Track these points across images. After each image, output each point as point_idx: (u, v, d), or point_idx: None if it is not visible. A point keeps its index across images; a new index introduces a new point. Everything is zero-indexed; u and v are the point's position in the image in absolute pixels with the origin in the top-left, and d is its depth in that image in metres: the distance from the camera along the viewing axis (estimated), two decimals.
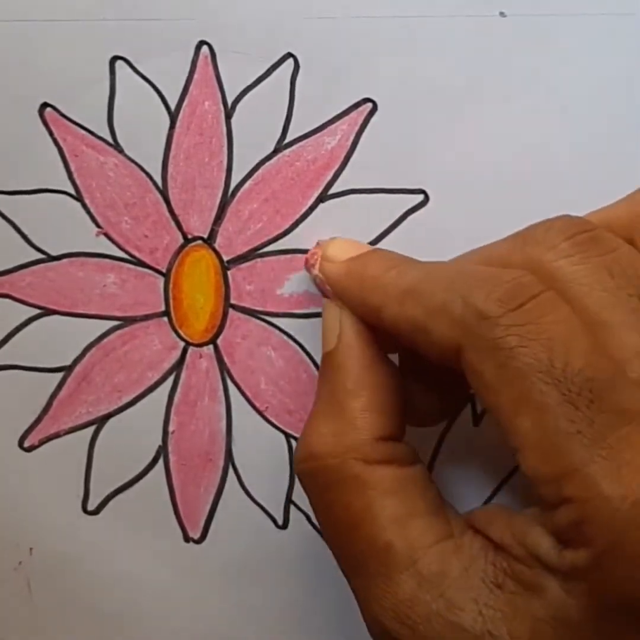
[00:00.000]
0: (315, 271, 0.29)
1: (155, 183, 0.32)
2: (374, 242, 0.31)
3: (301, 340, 0.32)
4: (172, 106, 0.31)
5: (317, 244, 0.30)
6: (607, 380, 0.21)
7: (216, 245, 0.32)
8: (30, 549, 0.34)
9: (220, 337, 0.32)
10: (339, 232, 0.31)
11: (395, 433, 0.26)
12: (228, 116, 0.31)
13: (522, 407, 0.21)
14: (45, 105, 0.31)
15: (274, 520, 0.33)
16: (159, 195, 0.32)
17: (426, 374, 0.27)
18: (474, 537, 0.24)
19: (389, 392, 0.26)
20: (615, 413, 0.21)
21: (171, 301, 0.32)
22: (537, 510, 0.23)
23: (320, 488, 0.25)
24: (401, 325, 0.24)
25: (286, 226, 0.32)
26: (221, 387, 0.32)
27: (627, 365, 0.22)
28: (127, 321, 0.32)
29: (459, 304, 0.22)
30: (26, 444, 0.33)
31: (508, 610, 0.22)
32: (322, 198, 0.31)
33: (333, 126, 0.31)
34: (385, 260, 0.26)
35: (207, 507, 0.33)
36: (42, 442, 0.33)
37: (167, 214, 0.32)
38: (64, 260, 0.32)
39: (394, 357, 0.28)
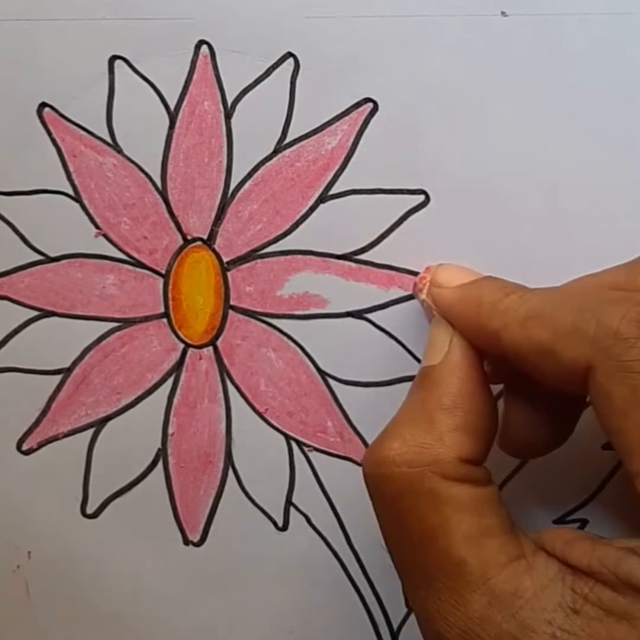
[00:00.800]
0: (423, 296, 0.29)
1: (154, 183, 0.31)
2: (374, 243, 0.31)
3: (301, 342, 0.32)
4: (172, 106, 0.31)
5: (426, 269, 0.29)
6: None
7: (216, 246, 0.32)
8: (29, 552, 0.34)
9: (220, 339, 0.32)
10: (339, 233, 0.31)
11: (478, 458, 0.26)
12: (228, 116, 0.31)
13: None
14: (43, 105, 0.31)
15: (274, 522, 0.33)
16: (158, 196, 0.31)
17: (532, 406, 0.27)
18: (548, 559, 0.24)
19: (482, 419, 0.26)
20: None
21: (171, 302, 0.32)
22: (634, 541, 0.23)
23: (393, 496, 0.25)
24: (524, 348, 0.24)
25: (286, 227, 0.31)
26: (221, 388, 0.32)
27: None
28: (127, 323, 0.32)
29: (592, 324, 0.22)
30: (25, 447, 0.33)
31: (585, 635, 0.22)
32: (323, 199, 0.31)
33: (333, 126, 0.31)
34: (502, 286, 0.26)
35: (207, 510, 0.33)
36: (40, 445, 0.33)
37: (167, 215, 0.32)
38: (63, 262, 0.32)
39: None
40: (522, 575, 0.23)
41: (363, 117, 0.31)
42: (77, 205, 0.32)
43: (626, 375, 0.22)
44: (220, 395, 0.32)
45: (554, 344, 0.23)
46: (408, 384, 0.27)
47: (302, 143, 0.31)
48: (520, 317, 0.25)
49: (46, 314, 0.32)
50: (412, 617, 0.33)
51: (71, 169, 0.31)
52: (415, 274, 0.31)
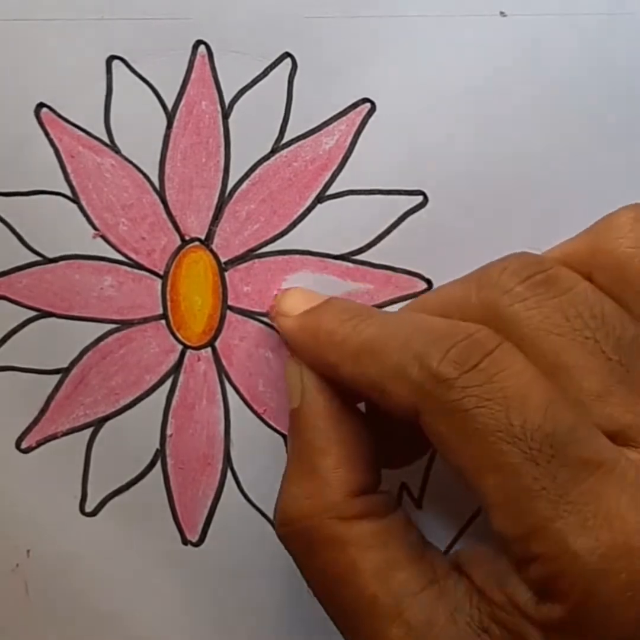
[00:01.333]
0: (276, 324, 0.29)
1: (152, 184, 0.31)
2: (372, 244, 0.31)
3: None
4: (169, 106, 0.31)
5: (276, 295, 0.29)
6: (566, 433, 0.21)
7: (213, 247, 0.32)
8: (28, 550, 0.34)
9: (218, 340, 0.32)
10: (337, 233, 0.31)
11: (370, 484, 0.26)
12: (225, 116, 0.31)
13: (484, 468, 0.21)
14: (41, 105, 0.31)
15: (273, 524, 0.33)
16: (156, 196, 0.31)
17: (391, 421, 0.27)
18: (459, 579, 0.24)
19: (359, 444, 0.26)
20: (576, 466, 0.21)
21: (169, 303, 0.32)
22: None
23: (303, 550, 0.26)
24: (359, 384, 0.24)
25: (284, 227, 0.31)
26: (219, 389, 0.32)
27: (588, 409, 0.22)
28: (125, 324, 0.32)
29: (415, 367, 0.22)
30: (23, 446, 0.33)
31: None
32: (320, 199, 0.31)
33: (331, 126, 0.31)
34: (339, 313, 0.26)
35: (205, 510, 0.33)
36: (39, 444, 0.33)
37: (165, 215, 0.32)
38: (61, 263, 0.32)
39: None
40: (435, 602, 0.23)
41: (361, 118, 0.31)
42: (74, 206, 0.31)
43: (451, 416, 0.22)
44: (219, 396, 0.32)
45: (383, 383, 0.23)
46: None
47: (299, 143, 0.31)
48: (353, 350, 0.24)
49: (44, 314, 0.32)
50: None
51: (69, 170, 0.31)
52: (413, 274, 0.31)
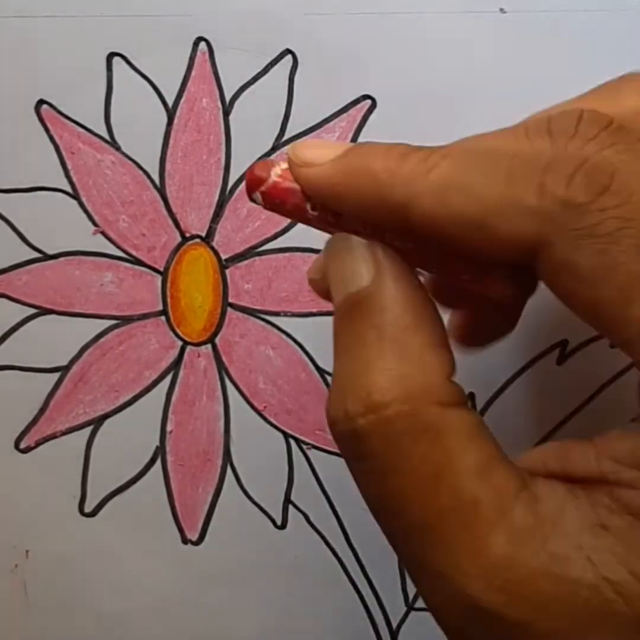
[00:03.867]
0: (264, 188, 0.22)
1: (152, 181, 0.31)
2: None
3: (300, 339, 0.32)
4: (170, 103, 0.31)
5: (263, 162, 0.23)
6: None
7: (214, 244, 0.32)
8: (27, 551, 0.33)
9: (219, 336, 0.32)
10: None
11: (454, 370, 0.22)
12: (226, 113, 0.31)
13: (634, 293, 0.19)
14: (41, 102, 0.31)
15: (273, 520, 0.33)
16: (156, 193, 0.31)
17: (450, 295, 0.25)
18: (548, 481, 0.21)
19: (441, 323, 0.23)
20: None
21: (169, 300, 0.32)
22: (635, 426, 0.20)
23: (386, 445, 0.21)
24: (444, 222, 0.21)
25: (284, 224, 0.31)
26: (219, 386, 0.32)
27: None
28: (125, 320, 0.32)
29: (531, 193, 0.20)
30: (22, 445, 0.33)
31: (621, 549, 0.20)
32: None
33: (332, 123, 0.31)
34: (388, 149, 0.22)
35: (205, 508, 0.33)
36: (38, 443, 0.33)
37: (165, 212, 0.31)
38: (61, 259, 0.32)
39: None
40: (536, 503, 0.20)
41: (361, 114, 0.31)
42: (75, 203, 0.31)
43: (591, 242, 0.20)
44: (219, 393, 0.32)
45: (485, 217, 0.20)
46: None
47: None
48: (434, 186, 0.21)
49: (44, 311, 0.32)
50: (412, 615, 0.33)
51: (69, 167, 0.31)
52: None
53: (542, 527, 0.20)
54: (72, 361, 0.32)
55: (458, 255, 0.22)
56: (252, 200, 0.23)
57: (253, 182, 0.22)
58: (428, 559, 0.21)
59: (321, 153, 0.23)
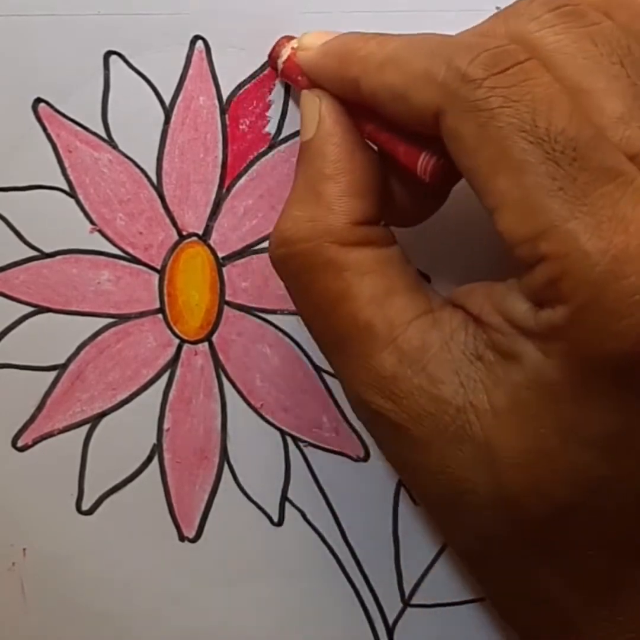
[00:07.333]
0: (282, 59, 0.29)
1: (149, 179, 0.31)
2: None
3: (297, 337, 0.32)
4: (167, 101, 0.31)
5: (285, 37, 0.30)
6: (590, 140, 0.21)
7: (211, 242, 0.32)
8: (24, 549, 0.33)
9: (216, 334, 0.32)
10: None
11: (373, 216, 0.26)
12: (223, 111, 0.31)
13: (501, 166, 0.21)
14: (38, 100, 0.31)
15: (270, 518, 0.33)
16: (153, 192, 0.31)
17: (405, 172, 0.27)
18: (454, 311, 0.24)
19: (368, 177, 0.26)
20: (598, 171, 0.21)
21: (166, 298, 0.32)
22: (515, 280, 0.23)
23: (296, 273, 0.26)
24: (379, 94, 0.24)
25: None
26: (216, 384, 0.32)
27: (608, 131, 0.22)
28: (122, 318, 0.32)
29: (442, 68, 0.22)
30: (20, 444, 0.33)
31: (488, 381, 0.22)
32: None
33: None
34: (363, 34, 0.26)
35: (202, 505, 0.33)
36: (35, 442, 0.33)
37: (162, 210, 0.32)
38: (58, 258, 0.32)
39: None
40: (430, 330, 0.24)
41: None
42: (72, 201, 0.32)
43: (474, 115, 0.22)
44: (216, 390, 0.32)
45: (406, 88, 0.23)
46: None
47: (297, 138, 0.31)
48: (377, 62, 0.24)
49: (41, 310, 0.32)
50: (408, 612, 0.33)
51: (66, 165, 0.31)
52: None
53: (428, 350, 0.23)
54: (69, 359, 0.32)
55: (395, 128, 0.25)
56: (274, 68, 0.30)
57: (274, 52, 0.29)
58: (339, 368, 0.25)
59: (317, 38, 0.28)
